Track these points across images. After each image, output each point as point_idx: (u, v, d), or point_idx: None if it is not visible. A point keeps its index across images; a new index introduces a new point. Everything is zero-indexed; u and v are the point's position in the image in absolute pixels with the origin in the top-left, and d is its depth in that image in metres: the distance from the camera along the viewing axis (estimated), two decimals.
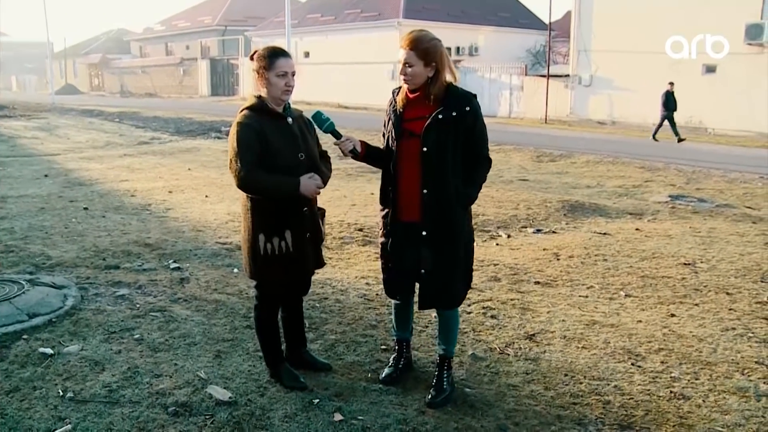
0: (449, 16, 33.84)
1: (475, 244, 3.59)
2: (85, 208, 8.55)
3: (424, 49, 3.21)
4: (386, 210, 3.46)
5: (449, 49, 34.28)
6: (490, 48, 33.69)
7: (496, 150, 15.77)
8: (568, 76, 25.43)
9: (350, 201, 9.11)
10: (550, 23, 28.37)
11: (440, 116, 3.22)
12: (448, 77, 3.29)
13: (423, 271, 3.35)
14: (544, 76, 26.15)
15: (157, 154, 15.27)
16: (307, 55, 37.40)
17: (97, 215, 8.12)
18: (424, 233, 3.31)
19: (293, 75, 3.34)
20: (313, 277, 5.46)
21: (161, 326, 4.46)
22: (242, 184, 3.23)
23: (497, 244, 6.95)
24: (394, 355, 3.84)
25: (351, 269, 5.92)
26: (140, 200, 9.26)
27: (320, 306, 4.89)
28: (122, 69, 59.50)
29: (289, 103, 3.45)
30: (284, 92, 3.32)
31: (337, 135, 3.35)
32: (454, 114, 3.22)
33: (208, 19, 50.65)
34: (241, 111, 3.35)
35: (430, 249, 3.32)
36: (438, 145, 3.23)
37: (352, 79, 33.68)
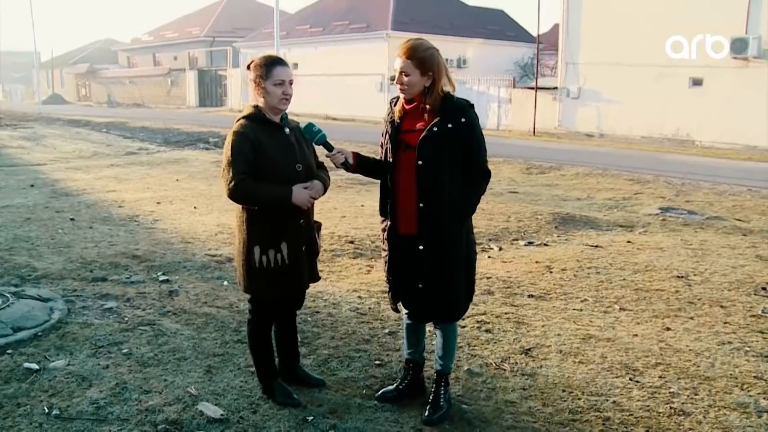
0: (437, 28, 33.87)
1: (476, 253, 3.52)
2: (72, 219, 8.42)
3: (420, 58, 3.16)
4: (386, 222, 3.41)
5: None
6: (478, 60, 33.77)
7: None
8: (556, 88, 25.51)
9: (340, 213, 9.05)
10: (538, 36, 28.51)
11: (435, 128, 3.17)
12: (446, 87, 3.24)
13: (420, 285, 3.29)
14: (532, 88, 26.24)
15: (144, 165, 15.15)
16: (295, 66, 37.31)
17: (84, 226, 8.00)
18: (420, 247, 3.25)
19: (291, 84, 3.28)
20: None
21: (150, 340, 4.36)
22: (232, 194, 3.17)
23: (489, 257, 6.89)
24: (401, 374, 3.75)
25: (343, 282, 5.85)
26: (128, 211, 9.14)
27: (312, 320, 4.81)
28: (110, 79, 59.25)
29: (286, 114, 3.39)
30: (281, 101, 3.26)
31: (328, 147, 3.29)
32: (450, 126, 3.16)
33: (196, 30, 50.57)
34: (238, 120, 3.29)
35: (427, 263, 3.26)
36: (433, 158, 3.18)
37: (341, 90, 33.69)
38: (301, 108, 33.43)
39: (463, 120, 3.18)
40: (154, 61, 56.05)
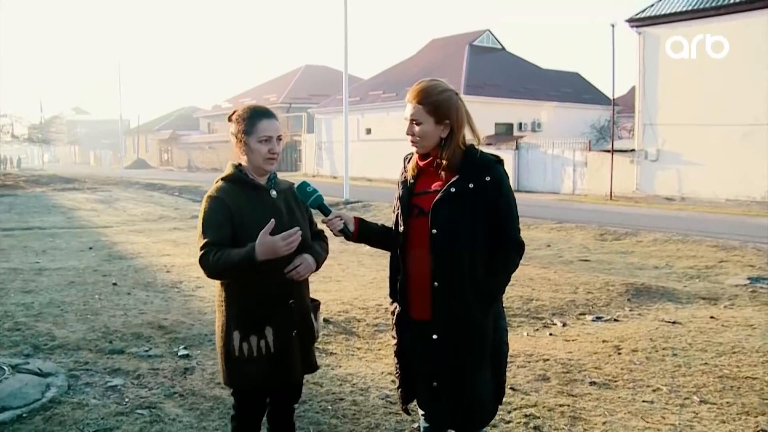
0: (511, 91, 33.59)
1: (508, 345, 2.83)
2: (114, 284, 8.17)
3: (434, 103, 2.59)
4: (395, 305, 2.80)
5: (511, 125, 34.15)
6: (553, 123, 33.16)
7: (557, 228, 14.95)
8: (633, 150, 24.51)
9: None
10: (613, 98, 27.73)
11: (453, 189, 2.56)
12: (468, 138, 2.66)
13: (435, 384, 2.65)
14: (608, 151, 25.30)
15: None
16: (368, 131, 37.57)
17: (123, 292, 7.70)
18: (435, 336, 2.61)
19: (279, 140, 2.77)
20: (333, 372, 4.87)
21: (143, 428, 3.84)
22: (205, 272, 2.66)
23: (551, 334, 6.14)
24: None
25: (379, 363, 5.21)
26: (173, 276, 8.84)
27: (332, 409, 4.18)
28: (190, 144, 61.33)
29: (274, 174, 2.88)
30: (267, 160, 2.76)
31: (325, 210, 2.73)
32: (471, 186, 2.55)
33: (273, 97, 51.86)
34: (216, 182, 2.81)
35: (442, 357, 2.62)
36: (450, 226, 2.56)
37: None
38: (374, 173, 33.49)
39: (487, 179, 2.56)
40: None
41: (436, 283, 2.59)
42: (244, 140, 2.75)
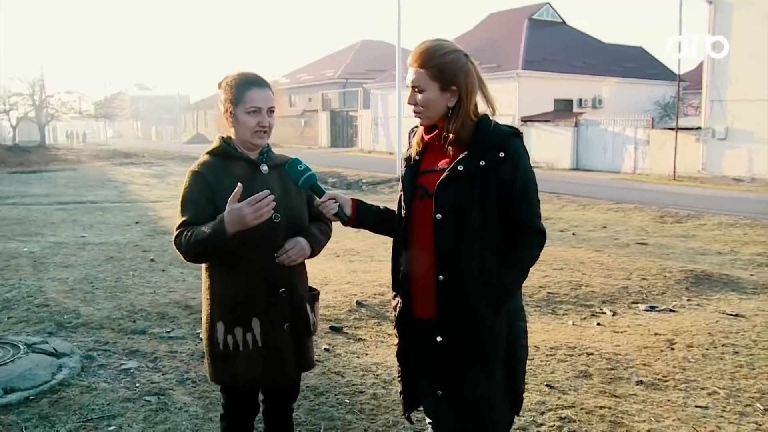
0: (572, 67, 32.47)
1: (527, 349, 2.44)
2: (152, 260, 8.08)
3: (438, 66, 2.20)
4: (397, 299, 2.46)
5: (570, 101, 33.12)
6: (614, 100, 31.97)
7: (614, 209, 14.31)
8: (699, 128, 23.35)
9: None
10: (679, 73, 26.44)
11: (461, 167, 2.17)
12: (481, 108, 2.28)
13: (439, 392, 2.31)
14: (672, 129, 24.19)
15: None
16: None
17: (158, 269, 7.58)
18: (439, 338, 2.26)
19: (270, 112, 2.46)
20: (359, 360, 4.58)
21: (148, 416, 3.63)
22: (180, 254, 2.38)
23: (598, 324, 5.71)
24: None
25: None
26: None
27: (350, 402, 3.89)
28: None
29: (267, 147, 2.57)
30: (256, 134, 2.45)
31: (317, 191, 2.40)
32: (483, 163, 2.16)
33: (330, 72, 51.75)
34: (202, 156, 2.52)
35: (447, 362, 2.26)
36: (457, 211, 2.18)
37: None
38: None
39: (501, 155, 2.16)
40: (290, 102, 57.84)
41: (440, 277, 2.22)
42: (231, 110, 2.46)
